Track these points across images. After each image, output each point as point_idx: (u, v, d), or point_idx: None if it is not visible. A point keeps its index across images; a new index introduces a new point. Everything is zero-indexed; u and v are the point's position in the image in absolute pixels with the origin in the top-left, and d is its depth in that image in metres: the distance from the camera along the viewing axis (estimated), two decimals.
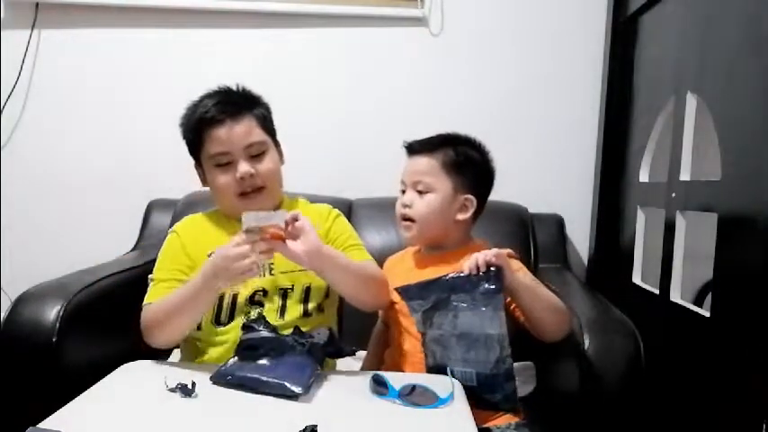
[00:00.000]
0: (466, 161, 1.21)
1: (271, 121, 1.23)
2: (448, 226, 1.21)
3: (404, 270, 1.25)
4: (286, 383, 0.89)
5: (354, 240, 1.23)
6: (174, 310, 1.06)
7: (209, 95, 1.19)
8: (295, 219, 1.02)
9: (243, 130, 1.15)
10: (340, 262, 1.09)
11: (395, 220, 1.25)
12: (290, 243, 1.01)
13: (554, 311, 1.11)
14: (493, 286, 1.04)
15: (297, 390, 0.88)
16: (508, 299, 1.10)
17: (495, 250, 1.06)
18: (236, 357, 0.97)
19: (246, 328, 1.01)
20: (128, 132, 1.85)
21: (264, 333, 0.98)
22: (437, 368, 1.07)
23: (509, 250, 1.22)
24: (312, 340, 0.98)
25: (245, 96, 1.21)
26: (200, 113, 1.16)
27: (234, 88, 1.21)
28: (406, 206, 1.21)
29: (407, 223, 1.21)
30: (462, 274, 1.06)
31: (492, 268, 1.04)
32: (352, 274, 1.10)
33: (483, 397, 1.04)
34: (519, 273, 1.11)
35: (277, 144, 1.23)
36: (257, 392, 0.90)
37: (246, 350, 0.97)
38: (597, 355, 1.07)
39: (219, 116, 1.14)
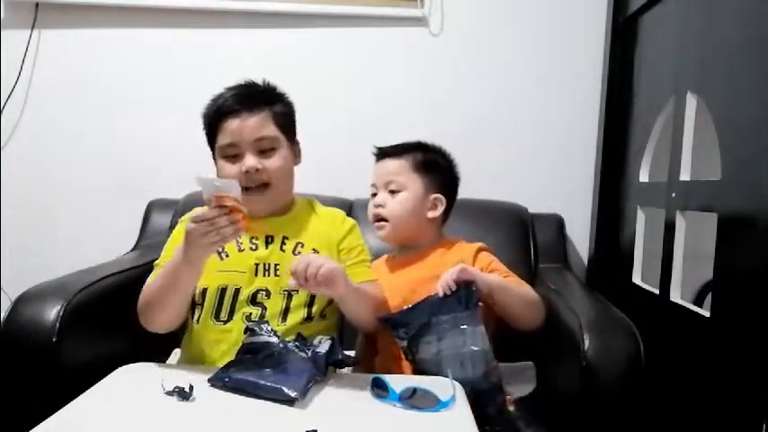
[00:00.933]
0: (434, 163, 1.28)
1: (290, 120, 1.22)
2: (420, 224, 1.26)
3: (379, 276, 1.25)
4: (282, 388, 0.88)
5: (365, 256, 1.22)
6: (160, 286, 1.06)
7: (231, 87, 1.18)
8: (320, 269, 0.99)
9: (254, 124, 1.14)
10: (357, 294, 1.09)
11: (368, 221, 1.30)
12: (318, 290, 1.01)
13: (528, 305, 1.17)
14: (468, 302, 1.06)
15: (292, 395, 0.87)
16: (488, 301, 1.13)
17: (459, 266, 1.09)
18: (236, 359, 0.97)
19: (249, 331, 1.00)
20: (128, 132, 1.85)
21: (267, 338, 0.98)
22: None
23: (480, 244, 1.26)
24: (315, 348, 0.98)
25: (266, 91, 1.20)
26: (219, 104, 1.16)
27: (259, 83, 1.20)
28: (379, 206, 1.25)
29: (381, 223, 1.26)
30: (438, 296, 1.08)
31: (462, 284, 1.07)
32: (362, 301, 1.11)
33: (477, 413, 1.04)
34: (490, 274, 1.15)
35: (294, 143, 1.22)
36: (254, 396, 0.89)
37: (248, 353, 0.97)
38: (597, 355, 1.06)
39: (234, 107, 1.14)
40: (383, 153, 1.30)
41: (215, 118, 1.16)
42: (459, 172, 1.33)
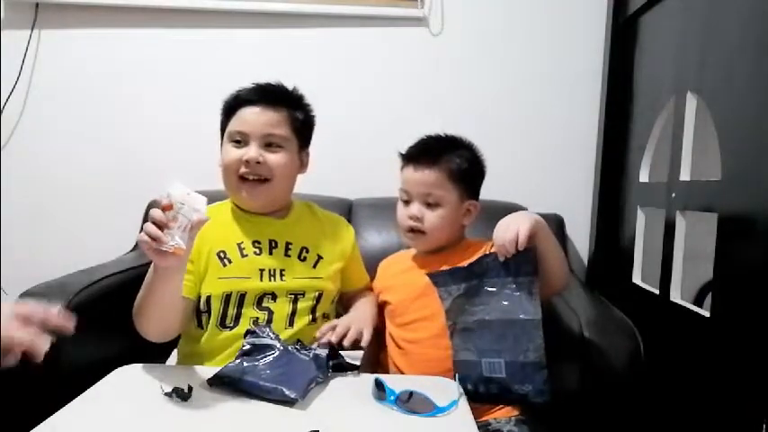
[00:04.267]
0: (467, 168, 1.21)
1: (307, 128, 1.22)
2: (454, 232, 1.23)
3: (400, 271, 1.26)
4: (282, 389, 0.87)
5: (360, 261, 1.30)
6: (141, 296, 1.02)
7: (259, 83, 1.19)
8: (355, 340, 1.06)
9: (269, 119, 1.14)
10: (374, 317, 1.18)
11: (397, 227, 1.26)
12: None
13: (563, 262, 1.13)
14: (527, 268, 1.02)
15: (292, 396, 0.87)
16: None
17: (526, 227, 1.01)
18: (236, 360, 0.96)
19: (250, 333, 1.01)
20: (128, 132, 1.85)
21: (268, 339, 0.98)
22: (464, 364, 1.05)
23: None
24: (315, 350, 0.99)
25: (290, 94, 1.20)
26: (240, 92, 1.18)
27: (287, 86, 1.21)
28: (415, 218, 1.19)
29: (416, 234, 1.20)
30: (493, 257, 1.04)
31: (532, 248, 1.02)
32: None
33: (512, 389, 1.02)
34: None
35: (304, 152, 1.23)
36: (254, 397, 0.89)
37: (248, 355, 0.97)
38: (597, 355, 1.06)
39: (254, 98, 1.15)
40: (415, 160, 1.21)
41: (233, 103, 1.17)
42: (485, 164, 1.27)
